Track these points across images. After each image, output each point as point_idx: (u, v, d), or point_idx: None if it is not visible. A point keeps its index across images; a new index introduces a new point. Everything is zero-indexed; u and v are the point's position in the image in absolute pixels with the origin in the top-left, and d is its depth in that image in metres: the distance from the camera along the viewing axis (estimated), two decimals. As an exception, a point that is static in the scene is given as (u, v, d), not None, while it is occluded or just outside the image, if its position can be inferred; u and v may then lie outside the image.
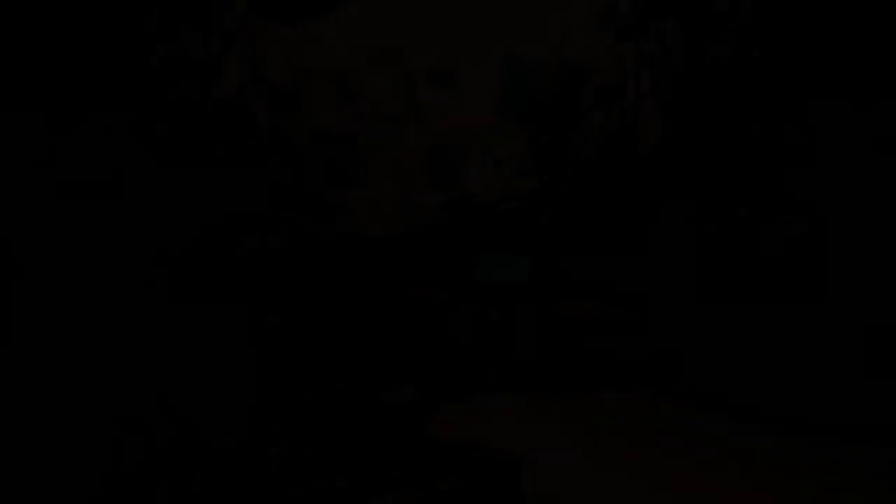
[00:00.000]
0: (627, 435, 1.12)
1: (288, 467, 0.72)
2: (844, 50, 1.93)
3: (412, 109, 2.61)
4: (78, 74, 1.96)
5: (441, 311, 0.95)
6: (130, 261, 2.10)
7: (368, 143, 2.63)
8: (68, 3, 1.85)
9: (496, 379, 1.06)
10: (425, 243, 1.27)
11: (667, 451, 1.03)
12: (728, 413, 1.11)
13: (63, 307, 1.78)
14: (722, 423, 1.08)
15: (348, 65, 2.81)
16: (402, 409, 0.76)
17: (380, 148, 2.64)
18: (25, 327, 1.61)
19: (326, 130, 2.97)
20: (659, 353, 0.94)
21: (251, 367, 0.91)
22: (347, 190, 3.10)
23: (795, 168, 2.10)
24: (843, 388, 1.03)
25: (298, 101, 2.85)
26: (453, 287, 0.98)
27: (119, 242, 2.08)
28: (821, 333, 1.09)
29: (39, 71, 1.89)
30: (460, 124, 2.86)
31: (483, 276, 1.02)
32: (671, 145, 2.49)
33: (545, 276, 1.01)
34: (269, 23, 2.84)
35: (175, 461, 0.79)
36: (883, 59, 1.90)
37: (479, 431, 1.24)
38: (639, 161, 2.23)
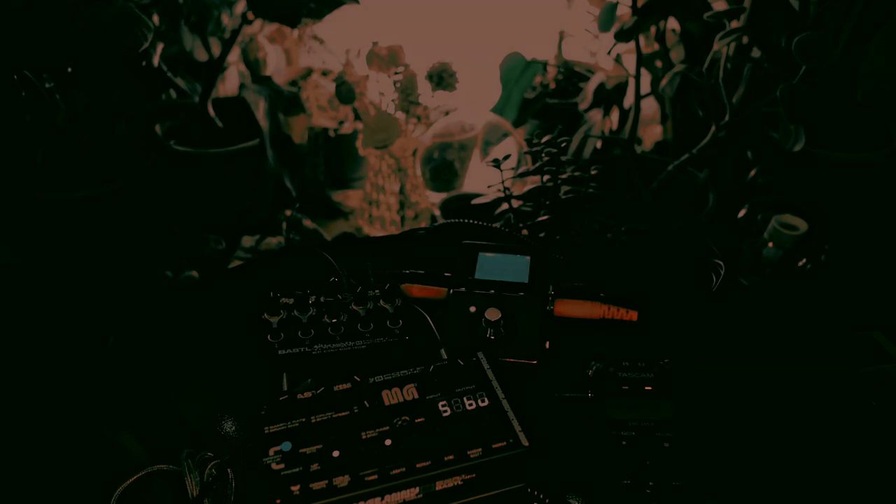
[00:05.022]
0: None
1: (288, 467, 0.72)
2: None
3: (412, 109, 2.61)
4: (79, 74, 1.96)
5: (440, 310, 0.95)
6: (130, 260, 2.10)
7: (368, 143, 2.63)
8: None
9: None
10: (425, 243, 1.27)
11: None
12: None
13: (63, 304, 1.78)
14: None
15: (348, 65, 2.81)
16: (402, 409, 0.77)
17: (380, 148, 2.64)
18: (26, 324, 1.61)
19: (326, 130, 2.97)
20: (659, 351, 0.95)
21: (250, 367, 0.91)
22: (347, 190, 3.10)
23: (795, 168, 2.10)
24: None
25: (298, 101, 2.85)
26: (453, 287, 0.98)
27: (118, 241, 2.08)
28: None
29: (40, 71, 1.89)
30: (460, 124, 2.86)
31: (483, 275, 1.01)
32: (671, 144, 2.49)
33: (545, 276, 1.01)
34: (269, 23, 2.84)
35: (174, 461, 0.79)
36: None
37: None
38: (639, 160, 2.23)
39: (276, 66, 2.89)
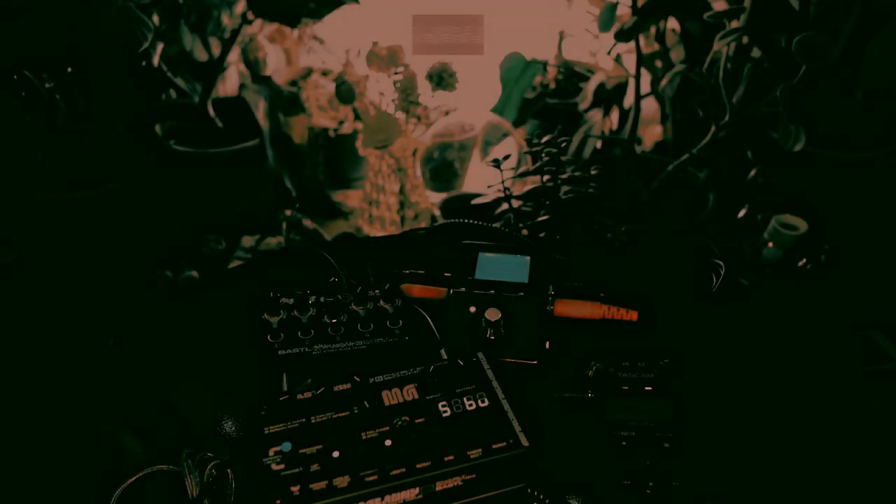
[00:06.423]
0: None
1: (288, 467, 0.72)
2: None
3: (412, 109, 2.61)
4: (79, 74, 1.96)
5: (440, 310, 0.95)
6: (130, 260, 2.10)
7: (368, 143, 2.63)
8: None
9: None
10: (424, 243, 1.27)
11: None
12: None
13: (63, 304, 1.78)
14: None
15: (348, 65, 2.81)
16: (402, 409, 0.77)
17: (380, 148, 2.64)
18: (26, 324, 1.61)
19: (326, 130, 2.97)
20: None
21: (250, 367, 0.91)
22: (347, 190, 3.10)
23: (795, 168, 2.10)
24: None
25: (298, 101, 2.85)
26: (453, 286, 0.97)
27: (119, 241, 2.08)
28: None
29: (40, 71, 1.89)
30: (460, 124, 2.86)
31: (483, 276, 1.01)
32: (671, 144, 2.49)
33: (545, 276, 1.00)
34: (269, 23, 2.84)
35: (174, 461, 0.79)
36: None
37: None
38: (639, 160, 2.23)
39: (276, 66, 2.89)
